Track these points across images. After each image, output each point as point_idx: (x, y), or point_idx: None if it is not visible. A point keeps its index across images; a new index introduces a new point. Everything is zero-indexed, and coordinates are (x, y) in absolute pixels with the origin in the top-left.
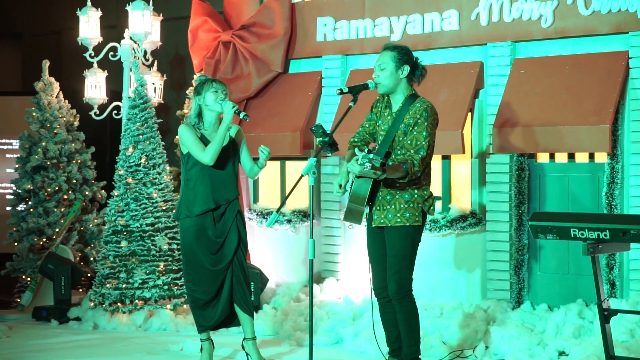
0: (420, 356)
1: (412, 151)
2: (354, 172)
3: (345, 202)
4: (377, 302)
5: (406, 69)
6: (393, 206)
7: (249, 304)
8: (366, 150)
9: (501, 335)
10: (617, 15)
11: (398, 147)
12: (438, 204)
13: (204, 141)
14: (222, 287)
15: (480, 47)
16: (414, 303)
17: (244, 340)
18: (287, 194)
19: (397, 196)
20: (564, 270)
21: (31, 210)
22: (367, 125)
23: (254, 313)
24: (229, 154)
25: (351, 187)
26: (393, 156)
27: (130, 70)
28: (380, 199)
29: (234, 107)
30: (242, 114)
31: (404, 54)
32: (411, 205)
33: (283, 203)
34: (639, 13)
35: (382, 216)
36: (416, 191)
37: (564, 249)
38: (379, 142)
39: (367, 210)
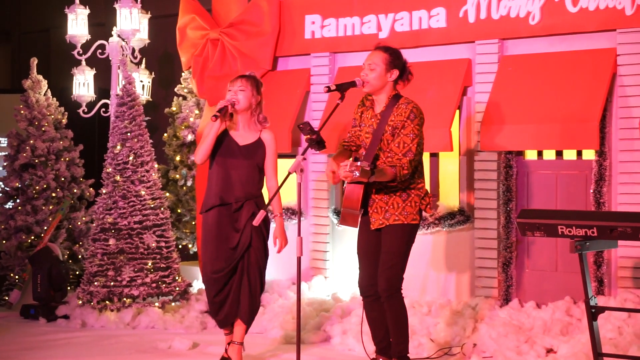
0: (408, 354)
1: (400, 155)
2: (343, 179)
3: (333, 197)
4: (363, 300)
5: (395, 73)
6: (391, 206)
7: (248, 312)
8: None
9: (489, 333)
10: (604, 13)
11: (387, 150)
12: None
13: (224, 135)
14: (230, 290)
15: (468, 45)
16: (403, 301)
17: (229, 343)
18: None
19: (394, 196)
20: (552, 267)
21: (19, 208)
22: (353, 132)
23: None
24: (250, 154)
25: (343, 192)
26: (383, 158)
27: (119, 68)
28: (377, 201)
29: (217, 109)
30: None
31: (395, 58)
32: (409, 204)
33: (270, 200)
34: (626, 10)
35: (381, 217)
36: (413, 190)
37: (552, 246)
38: (366, 146)
39: (361, 212)
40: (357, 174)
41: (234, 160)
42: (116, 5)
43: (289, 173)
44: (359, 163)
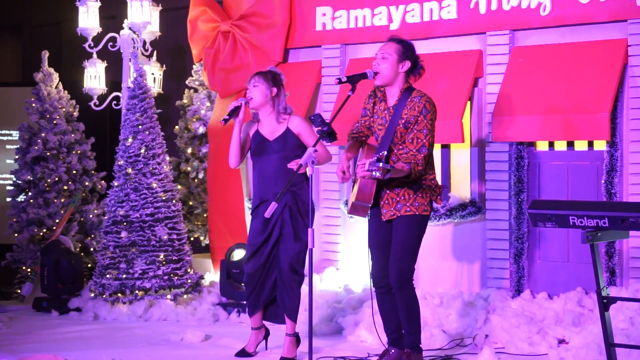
0: (420, 345)
1: (414, 150)
2: (361, 177)
3: (344, 189)
4: (375, 292)
5: (407, 64)
6: (402, 197)
7: (287, 305)
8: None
9: (501, 324)
10: (615, 3)
11: (399, 143)
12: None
13: (256, 134)
14: (265, 281)
15: (479, 36)
16: (414, 292)
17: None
18: (286, 183)
19: (405, 188)
20: (564, 258)
21: (31, 201)
22: (363, 122)
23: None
24: (281, 146)
25: (355, 185)
26: (396, 151)
27: (130, 60)
28: (388, 192)
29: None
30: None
31: (407, 49)
32: (420, 195)
33: (282, 192)
34: (637, 0)
35: (392, 208)
36: (423, 181)
37: (563, 236)
38: (379, 139)
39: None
40: (378, 174)
41: (266, 157)
42: None
43: (300, 165)
44: (381, 164)
